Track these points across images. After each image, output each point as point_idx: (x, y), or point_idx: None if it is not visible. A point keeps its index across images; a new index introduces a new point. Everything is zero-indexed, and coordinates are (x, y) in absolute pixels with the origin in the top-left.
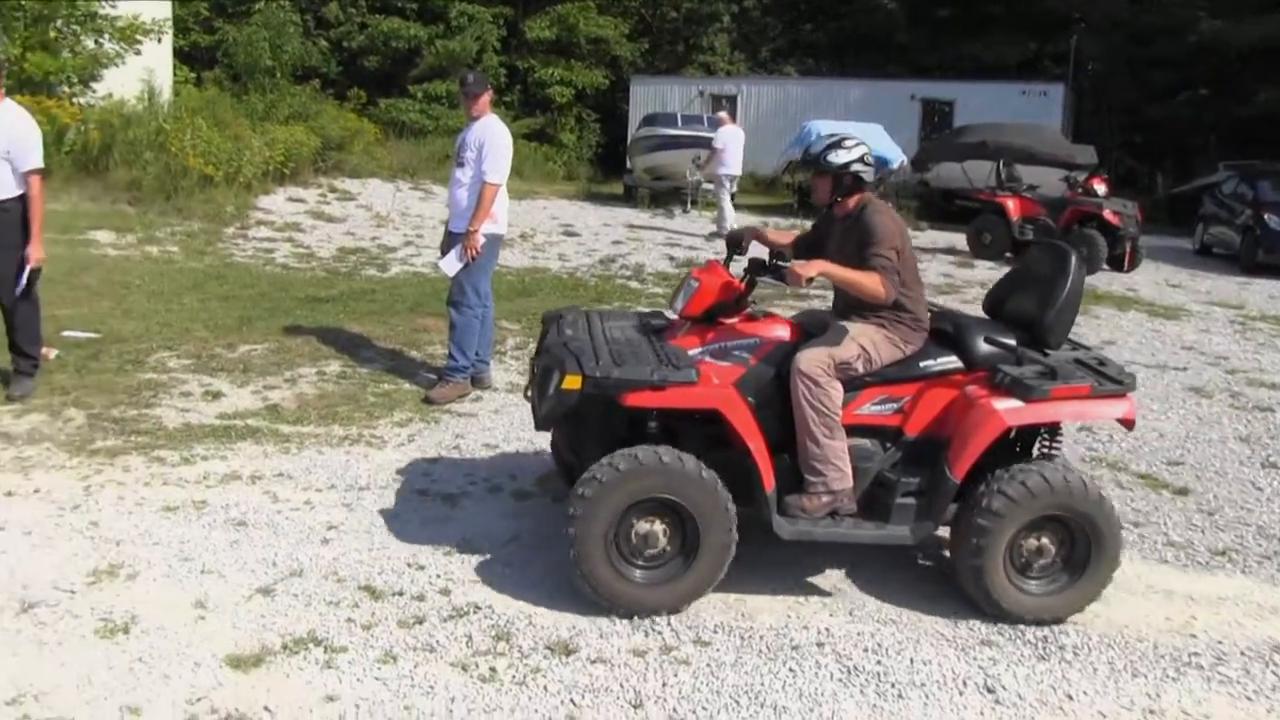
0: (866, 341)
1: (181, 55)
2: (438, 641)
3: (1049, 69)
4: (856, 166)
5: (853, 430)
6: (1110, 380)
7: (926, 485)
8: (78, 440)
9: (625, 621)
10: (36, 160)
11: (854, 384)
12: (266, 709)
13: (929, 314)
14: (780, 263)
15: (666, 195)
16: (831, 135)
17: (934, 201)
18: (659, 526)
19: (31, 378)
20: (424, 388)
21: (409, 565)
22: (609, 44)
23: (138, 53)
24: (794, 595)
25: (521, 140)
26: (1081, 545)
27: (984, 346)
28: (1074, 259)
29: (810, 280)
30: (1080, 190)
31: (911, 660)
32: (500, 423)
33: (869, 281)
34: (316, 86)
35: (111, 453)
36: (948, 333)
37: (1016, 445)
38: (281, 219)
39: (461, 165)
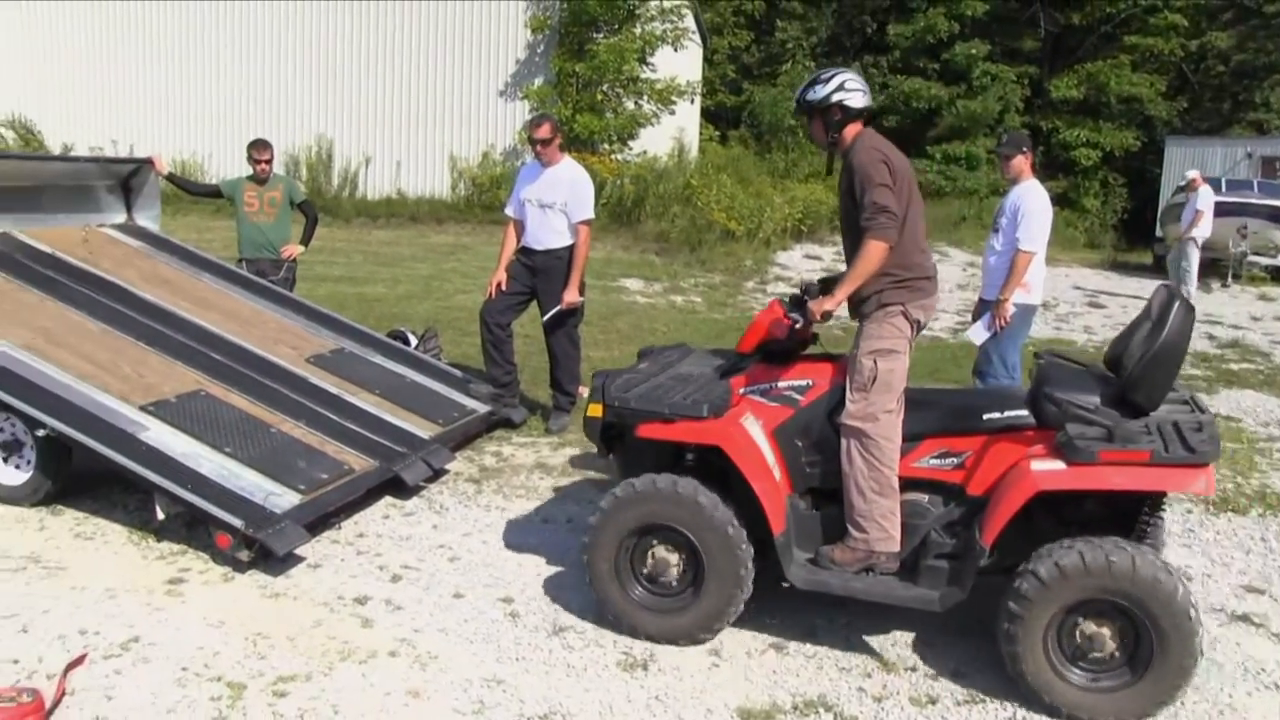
0: (872, 344)
1: (708, 114)
2: None
3: None
4: (838, 96)
5: (910, 484)
6: (1185, 448)
7: (961, 549)
8: (608, 477)
9: None
10: (588, 212)
11: (912, 435)
12: None
13: (929, 257)
14: (806, 297)
15: (1204, 267)
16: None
17: None
18: (674, 556)
19: (569, 414)
20: None
21: (919, 642)
22: (1142, 103)
23: (671, 113)
24: None
25: None
26: (1146, 640)
27: (1049, 402)
28: (1176, 305)
29: (827, 315)
30: None
31: None
32: None
33: (869, 263)
34: None
35: None
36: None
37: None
38: (798, 275)
39: (996, 231)
